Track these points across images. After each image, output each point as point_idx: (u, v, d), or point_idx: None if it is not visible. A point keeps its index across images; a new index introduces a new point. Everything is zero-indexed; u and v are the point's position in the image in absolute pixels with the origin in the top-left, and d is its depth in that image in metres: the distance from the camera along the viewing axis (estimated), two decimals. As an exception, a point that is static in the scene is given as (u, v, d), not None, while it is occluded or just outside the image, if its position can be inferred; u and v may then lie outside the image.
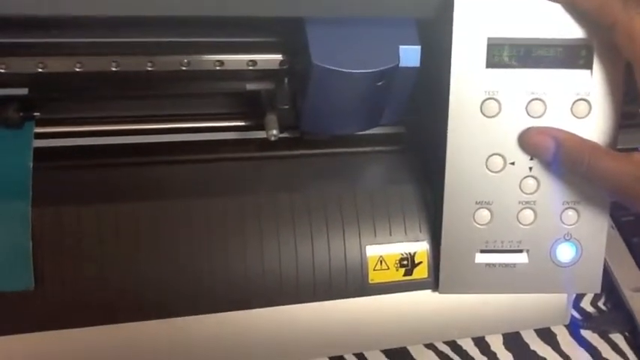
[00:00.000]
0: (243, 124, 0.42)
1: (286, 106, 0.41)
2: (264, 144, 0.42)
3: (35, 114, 0.39)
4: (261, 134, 0.42)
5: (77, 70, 0.38)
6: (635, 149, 0.58)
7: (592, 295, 0.48)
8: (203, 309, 0.37)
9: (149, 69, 0.38)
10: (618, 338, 0.46)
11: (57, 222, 0.36)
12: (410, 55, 0.37)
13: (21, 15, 0.33)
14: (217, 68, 0.38)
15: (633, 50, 0.33)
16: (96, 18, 0.34)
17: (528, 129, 0.36)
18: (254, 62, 0.39)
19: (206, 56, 0.38)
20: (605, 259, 0.48)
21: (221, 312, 0.37)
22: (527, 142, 0.36)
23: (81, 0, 0.33)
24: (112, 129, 0.41)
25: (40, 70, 0.38)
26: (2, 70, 0.38)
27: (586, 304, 0.48)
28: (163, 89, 0.41)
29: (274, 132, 0.39)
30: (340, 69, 0.36)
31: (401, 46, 0.37)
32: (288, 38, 0.39)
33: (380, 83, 0.37)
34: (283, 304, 0.38)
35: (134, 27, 0.38)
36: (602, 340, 0.46)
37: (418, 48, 0.37)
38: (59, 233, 0.36)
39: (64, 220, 0.36)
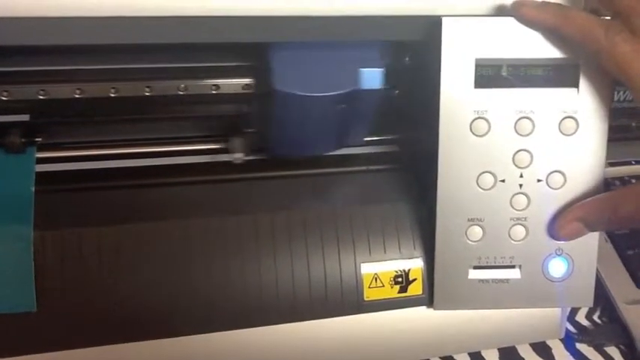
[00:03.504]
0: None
1: (253, 130, 0.42)
2: (260, 165, 0.43)
3: (37, 139, 0.40)
4: (256, 155, 0.43)
5: (77, 96, 0.39)
6: (628, 162, 0.58)
7: (587, 308, 0.49)
8: (201, 328, 0.37)
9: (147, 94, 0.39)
10: (614, 351, 0.46)
11: (58, 244, 0.37)
12: (371, 78, 0.38)
13: (22, 45, 0.34)
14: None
15: (624, 76, 0.34)
16: (94, 46, 0.35)
17: (556, 222, 0.38)
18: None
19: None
20: (599, 273, 0.49)
21: (219, 331, 0.38)
22: (560, 235, 0.38)
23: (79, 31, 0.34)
24: (110, 153, 0.41)
25: (40, 96, 0.39)
26: (4, 98, 0.39)
27: (581, 317, 0.48)
28: (156, 113, 0.42)
29: (239, 155, 0.40)
30: (301, 93, 0.36)
31: (362, 69, 0.38)
32: (253, 62, 0.40)
33: (342, 106, 0.38)
34: (280, 323, 0.38)
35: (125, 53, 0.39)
36: (597, 354, 0.46)
37: (380, 70, 0.38)
38: (61, 255, 0.36)
39: (65, 242, 0.37)
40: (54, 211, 0.38)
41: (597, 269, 0.46)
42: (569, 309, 0.47)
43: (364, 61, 0.38)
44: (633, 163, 0.58)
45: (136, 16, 0.34)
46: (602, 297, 0.48)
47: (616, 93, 0.57)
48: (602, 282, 0.49)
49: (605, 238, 0.51)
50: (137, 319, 0.37)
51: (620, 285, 0.49)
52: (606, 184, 0.43)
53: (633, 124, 0.59)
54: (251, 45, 0.37)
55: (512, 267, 0.39)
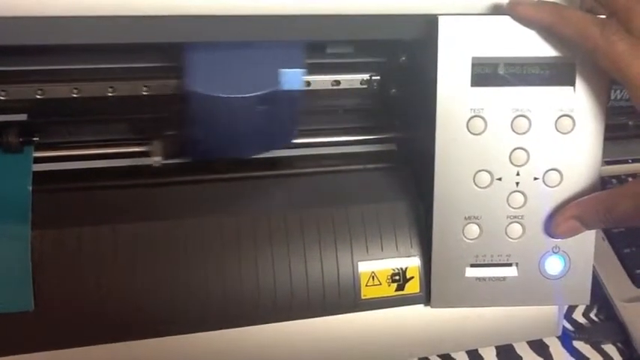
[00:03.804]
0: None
1: (173, 132, 0.41)
2: (260, 163, 0.44)
3: (34, 139, 0.40)
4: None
5: (74, 95, 0.39)
6: (625, 161, 0.58)
7: (584, 306, 0.49)
8: (199, 327, 0.38)
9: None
10: (610, 349, 0.46)
11: (56, 244, 0.37)
12: (292, 79, 0.37)
13: (19, 45, 0.34)
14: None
15: (620, 75, 0.34)
16: (92, 45, 0.35)
17: (553, 220, 0.38)
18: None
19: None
20: (596, 271, 0.49)
21: (217, 330, 0.38)
22: (557, 233, 0.38)
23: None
24: (107, 152, 0.42)
25: (38, 96, 0.39)
26: (2, 97, 0.39)
27: (578, 315, 0.48)
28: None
29: (157, 159, 0.40)
30: (216, 94, 0.36)
31: (282, 70, 0.37)
32: (172, 63, 0.39)
33: (263, 107, 0.37)
34: (277, 321, 0.38)
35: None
36: (594, 351, 0.46)
37: (301, 71, 0.37)
38: (58, 255, 0.36)
39: (63, 241, 0.37)
40: (51, 211, 0.38)
41: (594, 267, 0.47)
42: (566, 307, 0.47)
43: (285, 61, 0.37)
44: (630, 161, 0.58)
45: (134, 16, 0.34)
46: (599, 295, 0.48)
47: (613, 91, 0.57)
48: (599, 280, 0.49)
49: (602, 236, 0.51)
50: (134, 318, 0.37)
51: (617, 283, 0.49)
52: (603, 183, 0.43)
53: (630, 123, 0.60)
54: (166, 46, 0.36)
55: (509, 265, 0.39)
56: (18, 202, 0.37)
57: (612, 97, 0.57)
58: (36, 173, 0.38)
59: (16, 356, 0.36)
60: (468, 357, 0.44)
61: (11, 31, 0.33)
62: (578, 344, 0.46)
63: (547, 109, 0.37)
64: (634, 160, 0.58)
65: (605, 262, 0.50)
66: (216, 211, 0.39)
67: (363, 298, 0.39)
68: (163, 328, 0.37)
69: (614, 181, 0.56)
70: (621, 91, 0.57)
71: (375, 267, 0.40)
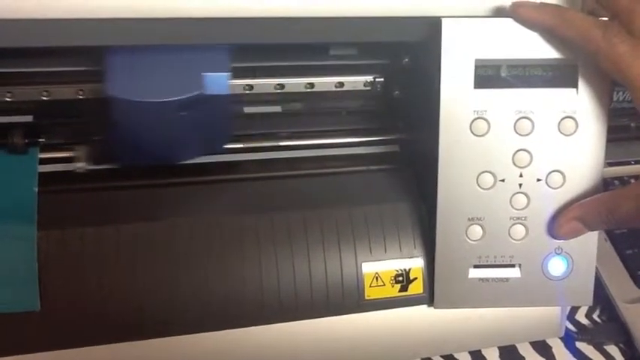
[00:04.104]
0: (241, 146, 0.44)
1: (99, 137, 0.40)
2: (263, 164, 0.44)
3: (40, 140, 0.40)
4: (258, 155, 0.43)
5: (79, 97, 0.39)
6: (627, 163, 0.59)
7: (587, 307, 0.49)
8: (203, 327, 0.38)
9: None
10: (613, 350, 0.46)
11: (62, 244, 0.37)
12: (217, 83, 0.36)
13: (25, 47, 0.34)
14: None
15: (622, 77, 0.34)
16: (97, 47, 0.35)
17: (555, 222, 0.38)
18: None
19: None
20: (599, 272, 0.49)
21: (221, 330, 0.38)
22: (560, 234, 0.38)
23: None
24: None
25: (43, 97, 0.39)
26: (8, 99, 0.39)
27: (581, 316, 0.49)
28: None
29: (80, 165, 0.39)
30: (136, 99, 0.35)
31: (205, 74, 0.36)
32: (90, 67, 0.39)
33: (185, 112, 0.36)
34: (282, 322, 0.38)
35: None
36: (597, 352, 0.46)
37: (226, 75, 0.36)
38: (64, 255, 0.37)
39: (68, 242, 0.37)
40: (57, 211, 0.38)
41: (597, 269, 0.47)
42: (569, 308, 0.47)
43: (210, 65, 0.36)
44: (632, 163, 0.58)
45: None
46: (601, 296, 0.48)
47: (615, 93, 0.57)
48: (601, 281, 0.49)
49: (604, 237, 0.52)
50: (139, 318, 0.37)
51: (619, 284, 0.49)
52: (605, 184, 0.43)
53: (632, 125, 0.60)
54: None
55: (512, 266, 0.39)
56: (24, 203, 0.37)
57: (614, 99, 0.57)
58: (42, 174, 0.38)
59: (23, 356, 0.36)
60: (471, 357, 0.44)
61: (15, 33, 0.33)
62: (581, 345, 0.47)
63: (550, 110, 0.37)
64: (636, 162, 0.58)
65: (607, 264, 0.50)
66: (220, 212, 0.39)
67: (366, 298, 0.39)
68: (168, 328, 0.38)
69: (616, 182, 0.56)
70: (623, 93, 0.57)
71: (379, 268, 0.40)
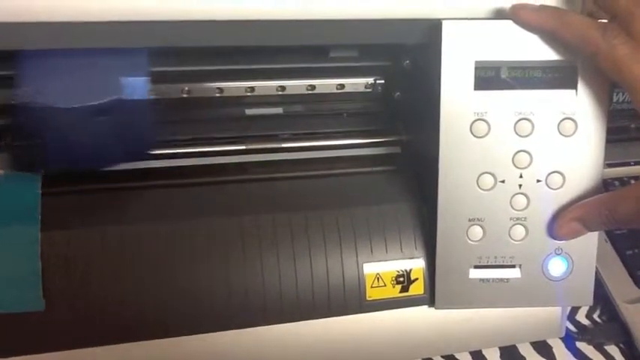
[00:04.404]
0: (243, 147, 0.44)
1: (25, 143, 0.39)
2: (265, 165, 0.44)
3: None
4: (260, 157, 0.43)
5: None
6: (627, 164, 0.59)
7: (587, 308, 0.49)
8: (205, 328, 0.38)
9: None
10: (613, 350, 0.47)
11: (65, 245, 0.37)
12: (136, 87, 0.35)
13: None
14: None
15: (621, 78, 0.34)
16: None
17: (555, 222, 0.38)
18: None
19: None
20: (599, 272, 0.49)
21: (223, 331, 0.38)
22: (560, 234, 0.39)
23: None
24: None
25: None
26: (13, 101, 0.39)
27: (581, 316, 0.49)
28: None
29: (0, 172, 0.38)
30: (47, 105, 0.34)
31: (123, 78, 0.35)
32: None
33: (103, 118, 0.35)
34: (283, 322, 0.39)
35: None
36: (597, 352, 0.46)
37: (144, 80, 0.35)
38: (67, 255, 0.37)
39: (71, 242, 0.37)
40: (60, 212, 0.38)
41: (597, 269, 0.47)
42: (569, 308, 0.48)
43: (128, 69, 0.35)
44: (632, 164, 0.58)
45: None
46: (601, 297, 0.49)
47: (615, 94, 0.57)
48: (601, 282, 0.49)
49: (604, 238, 0.52)
50: (143, 319, 0.37)
51: (619, 284, 0.50)
52: (606, 185, 0.44)
53: (632, 126, 0.60)
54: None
55: (513, 266, 0.40)
56: (27, 203, 0.37)
57: (614, 100, 0.58)
58: (45, 176, 0.38)
59: (28, 356, 0.36)
60: (472, 358, 0.44)
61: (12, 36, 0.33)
62: (581, 345, 0.47)
63: (549, 112, 0.38)
64: (636, 163, 0.58)
65: (607, 264, 0.51)
66: (221, 213, 0.40)
67: (368, 299, 0.40)
68: (172, 328, 0.38)
69: (616, 183, 0.56)
70: (623, 94, 0.58)
71: (380, 269, 0.40)
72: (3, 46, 0.33)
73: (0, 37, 0.33)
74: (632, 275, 0.50)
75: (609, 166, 0.57)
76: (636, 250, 0.51)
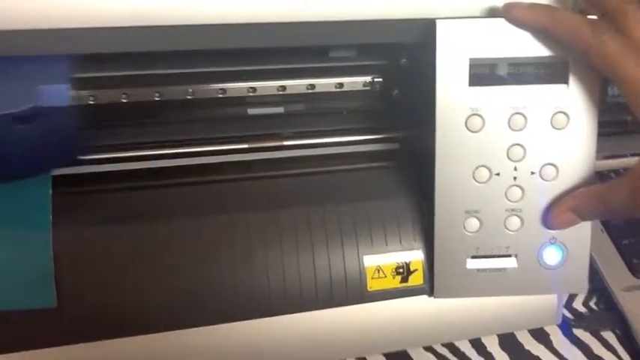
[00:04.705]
0: (246, 146, 0.45)
1: None
2: (268, 163, 0.45)
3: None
4: (263, 155, 0.44)
5: (90, 102, 0.41)
6: (623, 156, 0.60)
7: (584, 295, 0.50)
8: (211, 320, 0.39)
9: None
10: (609, 336, 0.48)
11: (76, 243, 0.38)
12: (56, 94, 0.35)
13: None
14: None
15: (611, 73, 0.35)
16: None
17: (550, 213, 0.39)
18: None
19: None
20: (595, 262, 0.50)
21: (228, 322, 0.39)
22: (554, 224, 0.39)
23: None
24: (122, 156, 0.43)
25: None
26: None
27: (578, 304, 0.50)
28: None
29: None
30: None
31: (42, 86, 0.34)
32: None
33: (23, 126, 0.35)
34: (287, 313, 0.40)
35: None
36: (593, 338, 0.47)
37: (65, 86, 0.35)
38: (79, 253, 0.38)
39: (82, 240, 0.38)
40: (71, 211, 0.39)
41: (594, 258, 0.48)
42: (565, 296, 0.48)
43: (47, 76, 0.35)
44: (628, 155, 0.59)
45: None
46: (598, 285, 0.50)
47: (610, 88, 0.58)
48: (598, 270, 0.50)
49: (601, 228, 0.53)
50: (152, 312, 0.38)
51: (616, 273, 0.50)
52: (602, 177, 0.44)
53: (628, 119, 0.61)
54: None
55: (509, 256, 0.41)
56: (39, 203, 0.38)
57: (610, 94, 0.58)
58: (56, 175, 0.40)
59: (40, 350, 0.37)
60: (472, 345, 0.46)
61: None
62: (578, 332, 0.48)
63: (542, 106, 0.38)
64: (632, 155, 0.59)
65: (604, 253, 0.51)
66: (226, 210, 0.41)
67: (369, 290, 0.41)
68: (179, 322, 0.39)
69: (612, 175, 0.57)
70: (618, 87, 0.58)
71: (380, 261, 0.41)
72: None
73: None
74: (627, 264, 0.51)
75: (605, 158, 0.57)
76: (632, 240, 0.52)
